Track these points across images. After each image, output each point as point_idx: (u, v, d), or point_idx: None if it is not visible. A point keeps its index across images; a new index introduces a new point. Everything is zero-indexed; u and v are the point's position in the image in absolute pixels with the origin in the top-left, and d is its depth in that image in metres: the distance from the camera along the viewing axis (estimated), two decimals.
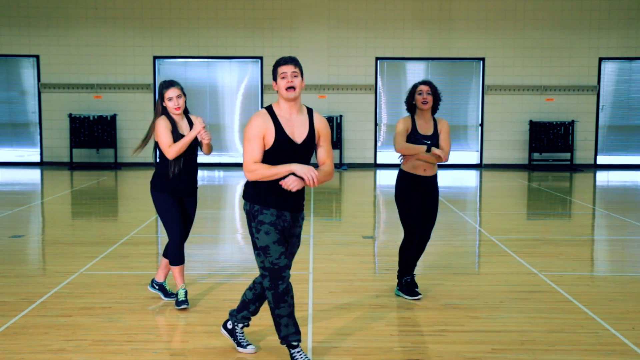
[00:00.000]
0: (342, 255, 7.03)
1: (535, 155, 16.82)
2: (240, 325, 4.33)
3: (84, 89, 16.66)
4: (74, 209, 10.78)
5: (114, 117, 16.30)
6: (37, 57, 16.64)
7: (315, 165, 4.00)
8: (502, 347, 4.41)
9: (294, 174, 3.82)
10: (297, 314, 4.88)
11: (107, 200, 11.75)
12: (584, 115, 16.83)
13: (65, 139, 16.54)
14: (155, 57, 16.72)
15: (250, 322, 4.48)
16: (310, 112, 4.06)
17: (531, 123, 16.56)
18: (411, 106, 5.42)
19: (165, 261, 5.36)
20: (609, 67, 16.88)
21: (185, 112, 5.27)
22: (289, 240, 4.06)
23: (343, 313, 5.09)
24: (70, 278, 6.02)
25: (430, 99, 5.32)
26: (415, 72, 16.92)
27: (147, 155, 16.75)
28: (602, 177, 15.50)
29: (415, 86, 5.40)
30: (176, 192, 5.14)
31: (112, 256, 6.93)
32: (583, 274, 6.46)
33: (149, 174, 15.35)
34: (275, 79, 3.99)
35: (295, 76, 3.93)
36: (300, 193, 4.02)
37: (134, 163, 16.78)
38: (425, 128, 5.39)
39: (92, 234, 8.21)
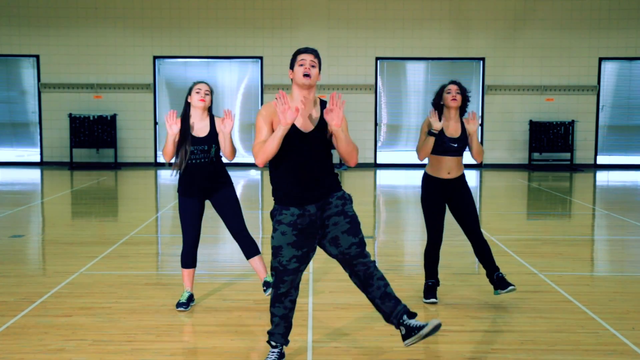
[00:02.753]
0: None
1: (535, 155, 16.82)
2: (407, 322, 3.83)
3: (84, 89, 16.66)
4: (74, 209, 10.78)
5: (114, 117, 16.30)
6: (37, 57, 16.64)
7: (337, 166, 3.97)
8: (502, 347, 4.40)
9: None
10: (297, 314, 4.88)
11: (107, 200, 11.75)
12: (584, 115, 16.83)
13: (65, 138, 16.54)
14: (155, 57, 16.72)
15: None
16: (323, 104, 3.97)
17: (531, 123, 16.56)
18: (438, 107, 5.31)
19: (252, 260, 5.25)
20: (609, 67, 16.88)
21: (210, 114, 5.16)
22: (324, 226, 3.86)
23: (343, 313, 5.08)
24: (70, 278, 6.01)
25: (459, 97, 5.24)
26: (415, 72, 16.92)
27: (147, 155, 16.89)
28: (602, 177, 15.50)
29: (443, 86, 5.33)
30: (192, 193, 5.09)
31: (112, 256, 6.92)
32: (583, 274, 6.46)
33: (149, 173, 15.46)
34: (292, 66, 3.90)
35: (313, 66, 3.86)
36: (325, 177, 3.89)
37: (134, 163, 16.79)
38: (452, 130, 5.26)
39: (92, 234, 8.21)
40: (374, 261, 3.97)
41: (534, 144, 16.54)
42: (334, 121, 3.71)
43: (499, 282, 5.24)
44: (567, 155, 16.76)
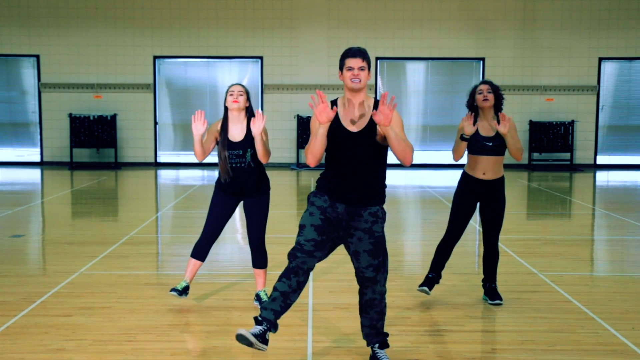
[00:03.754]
0: (342, 255, 7.00)
1: (535, 155, 16.83)
2: (377, 352, 4.08)
3: (84, 89, 16.66)
4: (74, 208, 10.78)
5: (114, 117, 16.30)
6: (37, 57, 16.64)
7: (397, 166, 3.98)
8: (502, 347, 4.41)
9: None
10: (297, 314, 4.88)
11: (107, 200, 11.75)
12: (584, 115, 16.83)
13: (65, 138, 16.54)
14: (155, 57, 16.72)
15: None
16: (377, 103, 3.96)
17: (531, 123, 16.56)
18: (473, 108, 5.30)
19: (257, 271, 5.27)
20: (609, 67, 16.89)
21: (250, 114, 5.08)
22: (348, 235, 3.88)
23: (343, 313, 5.08)
24: (70, 278, 6.02)
25: (491, 97, 5.21)
26: (415, 72, 16.93)
27: (147, 155, 16.89)
28: (602, 177, 15.50)
29: (475, 87, 5.31)
30: (229, 193, 5.09)
31: (112, 256, 6.92)
32: (583, 274, 6.46)
33: (149, 173, 15.45)
34: (341, 69, 3.94)
35: (362, 69, 3.89)
36: (368, 185, 3.89)
37: (134, 163, 16.79)
38: (487, 129, 5.24)
39: (92, 234, 8.21)
40: (383, 292, 3.98)
41: (533, 144, 16.54)
42: (382, 121, 3.72)
43: (490, 292, 5.34)
44: (567, 155, 16.76)
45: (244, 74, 16.90)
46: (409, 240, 8.23)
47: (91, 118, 16.23)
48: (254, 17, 16.61)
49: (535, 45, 16.69)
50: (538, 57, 16.70)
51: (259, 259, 5.21)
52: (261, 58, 16.70)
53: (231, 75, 16.89)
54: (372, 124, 3.88)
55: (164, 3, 16.58)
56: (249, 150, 4.97)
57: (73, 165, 16.21)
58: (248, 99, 5.09)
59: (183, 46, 16.65)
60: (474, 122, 5.23)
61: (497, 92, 5.28)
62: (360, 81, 3.87)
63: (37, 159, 16.95)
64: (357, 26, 16.62)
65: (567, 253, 7.23)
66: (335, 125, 3.88)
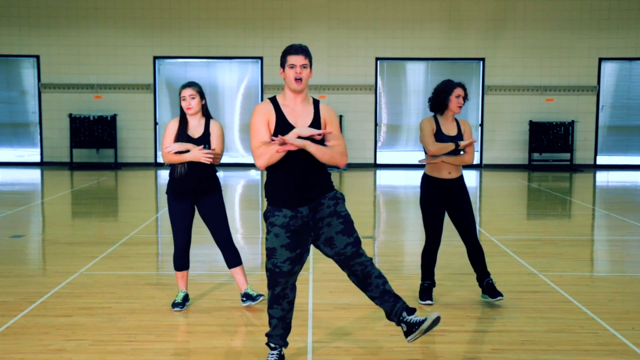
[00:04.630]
0: None
1: (535, 155, 16.83)
2: (408, 319, 3.85)
3: (84, 89, 16.66)
4: (74, 209, 10.78)
5: (114, 117, 16.30)
6: (37, 57, 16.64)
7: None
8: (502, 347, 4.40)
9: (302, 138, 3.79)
10: (297, 314, 4.88)
11: (107, 200, 11.75)
12: (583, 115, 16.83)
13: (65, 139, 16.54)
14: (155, 57, 16.72)
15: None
16: (316, 103, 3.99)
17: (531, 123, 16.56)
18: (440, 106, 5.25)
19: (234, 270, 5.26)
20: (609, 67, 16.89)
21: (207, 115, 5.13)
22: (317, 228, 3.87)
23: (343, 313, 5.08)
24: (70, 278, 6.02)
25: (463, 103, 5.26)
26: (415, 72, 16.93)
27: (147, 155, 16.89)
28: (602, 177, 15.50)
29: (452, 87, 5.22)
30: (182, 194, 5.07)
31: (112, 256, 6.93)
32: (583, 274, 6.46)
33: (149, 174, 15.46)
34: (283, 66, 3.91)
35: (304, 67, 3.86)
36: (318, 178, 3.89)
37: (134, 163, 16.79)
38: (449, 128, 5.26)
39: (92, 234, 8.21)
40: (371, 258, 3.95)
41: (533, 144, 16.54)
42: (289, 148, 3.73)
43: (489, 289, 5.30)
44: (567, 155, 16.76)
45: (244, 74, 16.90)
46: (409, 240, 8.23)
47: (91, 118, 16.23)
48: (254, 17, 16.61)
49: (535, 45, 16.69)
50: (538, 57, 16.70)
51: (232, 257, 5.20)
52: (261, 58, 16.70)
53: (231, 75, 16.89)
54: (315, 124, 3.90)
55: (164, 3, 16.58)
56: (206, 146, 5.02)
57: (73, 166, 16.21)
58: (203, 97, 5.09)
59: (183, 46, 16.65)
60: (436, 121, 5.24)
61: (466, 98, 5.33)
62: (302, 80, 3.85)
63: (37, 159, 16.95)
64: (357, 26, 16.62)
65: (567, 253, 7.23)
66: (281, 123, 3.84)
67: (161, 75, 16.88)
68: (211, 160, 4.98)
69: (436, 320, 3.72)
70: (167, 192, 5.16)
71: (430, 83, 16.82)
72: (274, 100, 3.93)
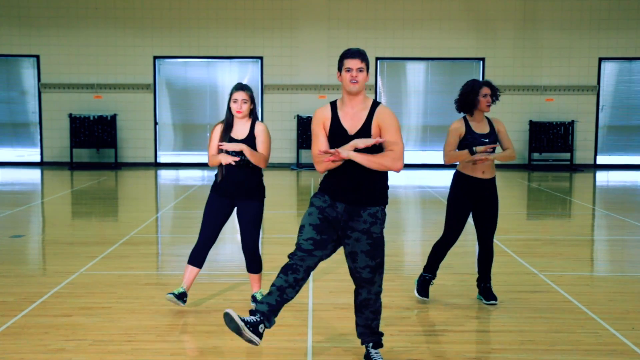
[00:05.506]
0: (342, 255, 7.01)
1: (535, 155, 16.83)
2: (370, 352, 4.13)
3: (84, 89, 16.66)
4: (74, 209, 10.78)
5: (114, 117, 16.30)
6: (37, 57, 16.64)
7: None
8: (502, 347, 4.41)
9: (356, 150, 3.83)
10: (297, 314, 4.88)
11: (107, 200, 11.75)
12: (583, 115, 16.83)
13: (65, 139, 16.54)
14: (155, 57, 16.72)
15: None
16: (374, 106, 3.98)
17: (531, 123, 16.56)
18: (469, 106, 5.21)
19: (252, 276, 5.26)
20: (609, 67, 16.89)
21: (253, 117, 5.08)
22: (345, 236, 3.89)
23: (343, 313, 5.08)
24: (70, 278, 6.02)
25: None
26: (415, 72, 16.93)
27: (147, 155, 16.88)
28: (602, 177, 15.50)
29: (479, 86, 5.19)
30: (223, 193, 5.08)
31: (112, 256, 6.92)
32: (583, 274, 6.46)
33: (149, 174, 15.45)
34: (340, 70, 4.00)
35: (360, 71, 3.93)
36: (368, 185, 3.90)
37: (134, 163, 16.79)
38: (481, 127, 5.22)
39: (92, 234, 8.21)
40: (379, 292, 3.99)
41: (533, 144, 16.54)
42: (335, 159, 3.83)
43: (485, 291, 5.33)
44: (567, 155, 16.76)
45: (244, 74, 16.90)
46: (409, 240, 8.22)
47: (91, 118, 16.23)
48: (254, 17, 16.61)
49: (535, 45, 16.69)
50: (538, 57, 16.70)
51: (254, 265, 5.22)
52: (261, 58, 16.70)
53: (231, 75, 16.89)
54: (367, 126, 3.90)
55: (164, 3, 16.58)
56: (241, 158, 4.97)
57: (73, 166, 16.21)
58: (252, 101, 5.06)
59: (183, 46, 16.65)
60: (465, 122, 5.19)
61: (496, 96, 5.30)
62: (358, 82, 3.90)
63: (37, 159, 16.95)
64: (357, 26, 16.62)
65: (567, 253, 7.23)
66: (335, 127, 3.93)
67: (161, 75, 16.87)
68: (231, 161, 4.92)
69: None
70: (212, 186, 5.18)
71: (430, 83, 16.83)
72: (333, 104, 4.02)
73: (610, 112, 17.04)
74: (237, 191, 5.05)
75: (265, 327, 3.65)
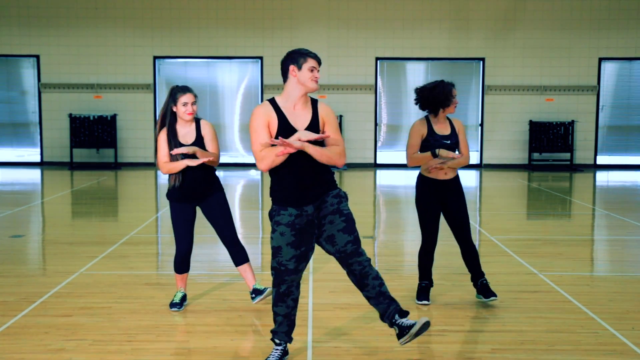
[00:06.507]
0: None
1: (535, 155, 16.82)
2: (399, 322, 3.89)
3: (84, 89, 16.66)
4: (74, 209, 10.78)
5: (114, 117, 16.30)
6: (37, 57, 16.64)
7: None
8: (502, 347, 4.41)
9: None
10: (298, 314, 4.86)
11: (107, 200, 11.75)
12: (583, 115, 16.83)
13: (65, 139, 16.53)
14: (155, 57, 16.72)
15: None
16: (315, 102, 4.06)
17: (531, 123, 16.56)
18: (438, 105, 5.16)
19: (241, 268, 5.24)
20: (609, 67, 16.88)
21: (196, 118, 5.10)
22: (320, 225, 3.93)
23: (343, 313, 5.09)
24: (70, 278, 6.02)
25: None
26: (415, 72, 16.93)
27: (147, 155, 16.88)
28: (602, 177, 15.50)
29: (450, 87, 5.15)
30: (184, 198, 5.06)
31: (112, 256, 6.93)
32: (583, 274, 6.46)
33: (148, 174, 15.46)
34: (299, 65, 3.94)
35: (318, 71, 4.03)
36: (322, 176, 3.95)
37: (134, 163, 16.79)
38: (442, 128, 5.22)
39: (92, 234, 8.21)
40: (369, 259, 3.97)
41: (533, 144, 16.54)
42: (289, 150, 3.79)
43: (483, 289, 5.29)
44: (567, 155, 16.76)
45: (244, 74, 16.90)
46: (409, 240, 8.22)
47: (91, 118, 16.23)
48: (254, 17, 16.61)
49: (535, 45, 16.68)
50: (538, 57, 16.69)
51: (239, 255, 5.20)
52: (261, 58, 16.70)
53: (231, 75, 16.89)
54: (315, 122, 3.95)
55: (164, 3, 16.58)
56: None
57: (73, 166, 16.21)
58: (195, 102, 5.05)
59: (183, 46, 16.65)
60: (427, 123, 5.20)
61: None
62: (317, 81, 4.00)
63: (37, 159, 16.95)
64: (357, 26, 16.62)
65: (567, 253, 7.23)
66: (283, 124, 3.88)
67: (161, 75, 16.87)
68: (199, 162, 4.90)
69: (425, 325, 3.79)
70: (168, 196, 5.13)
71: None
72: (273, 102, 3.96)
73: (610, 112, 17.04)
74: (198, 192, 5.04)
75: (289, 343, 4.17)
